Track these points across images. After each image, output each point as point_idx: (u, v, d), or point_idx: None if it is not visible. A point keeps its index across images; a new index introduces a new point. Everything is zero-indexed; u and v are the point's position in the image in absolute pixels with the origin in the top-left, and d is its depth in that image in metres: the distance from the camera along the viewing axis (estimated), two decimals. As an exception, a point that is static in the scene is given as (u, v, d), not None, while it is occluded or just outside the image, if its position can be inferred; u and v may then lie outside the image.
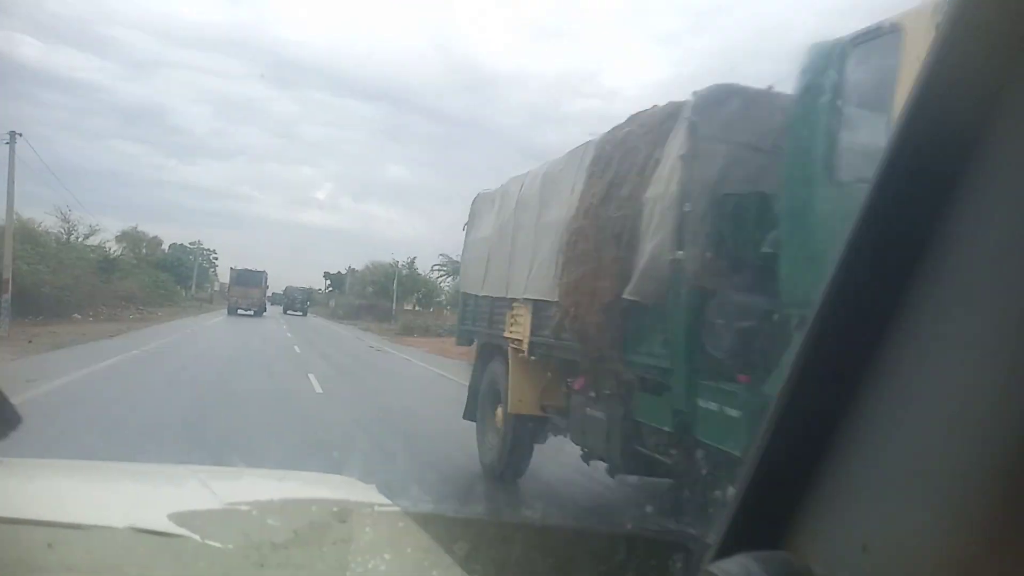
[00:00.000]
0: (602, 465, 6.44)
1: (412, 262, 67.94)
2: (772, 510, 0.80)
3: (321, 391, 14.31)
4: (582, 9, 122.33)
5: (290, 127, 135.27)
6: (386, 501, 1.82)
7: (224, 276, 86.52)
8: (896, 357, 0.70)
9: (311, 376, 16.19)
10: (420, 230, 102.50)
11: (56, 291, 29.70)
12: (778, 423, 0.80)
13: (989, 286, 0.63)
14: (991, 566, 0.59)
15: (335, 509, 1.58)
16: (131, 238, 66.75)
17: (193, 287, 79.35)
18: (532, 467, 7.68)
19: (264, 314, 56.98)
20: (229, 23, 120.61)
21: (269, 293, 67.14)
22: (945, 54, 0.68)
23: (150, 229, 74.46)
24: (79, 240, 44.93)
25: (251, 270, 59.80)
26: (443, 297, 63.10)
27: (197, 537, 1.35)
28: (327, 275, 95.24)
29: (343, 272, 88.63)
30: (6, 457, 1.74)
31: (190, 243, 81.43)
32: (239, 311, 54.56)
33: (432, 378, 19.58)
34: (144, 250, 68.84)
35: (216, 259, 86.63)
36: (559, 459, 7.67)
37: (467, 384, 8.81)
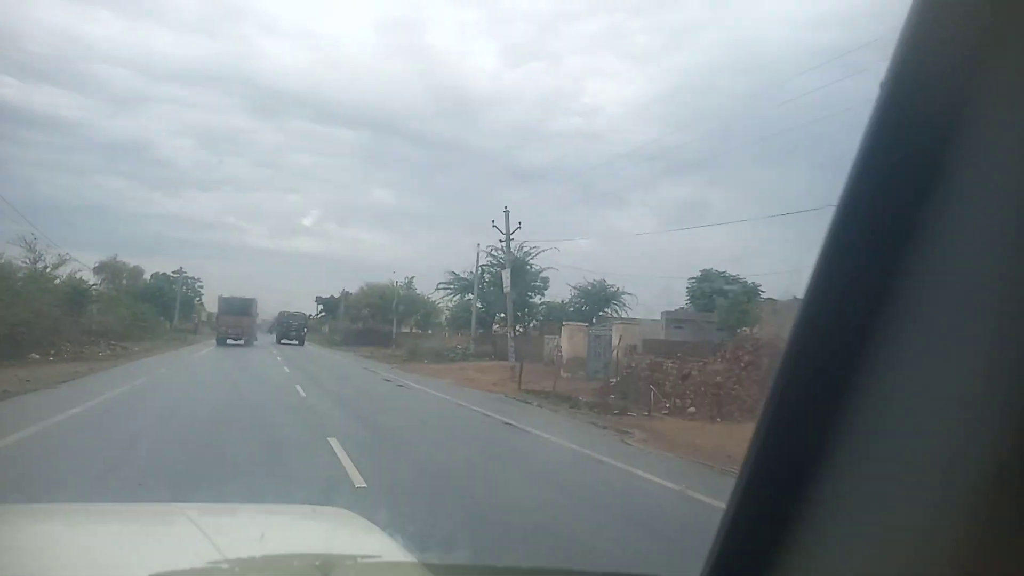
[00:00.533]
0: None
1: (410, 281, 63.76)
2: (756, 545, 0.81)
3: (363, 483, 8.24)
4: (559, 31, 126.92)
5: (275, 156, 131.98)
6: (374, 540, 1.90)
7: (211, 305, 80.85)
8: (872, 397, 0.71)
9: (334, 444, 10.52)
10: (407, 253, 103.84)
11: (9, 328, 25.59)
12: (757, 461, 0.80)
13: (969, 286, 0.64)
14: None
15: (317, 563, 1.57)
16: (110, 269, 62.42)
17: (176, 318, 74.03)
18: None
19: (255, 343, 54.18)
20: (209, 56, 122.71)
21: (259, 321, 63.34)
22: (907, 63, 0.70)
23: (136, 263, 69.94)
24: (46, 270, 39.47)
25: (240, 298, 56.11)
26: (444, 318, 59.04)
27: None
28: (319, 299, 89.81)
29: (336, 296, 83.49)
30: None
31: (173, 272, 73.77)
32: (228, 341, 51.44)
33: (512, 437, 13.47)
34: (125, 281, 65.13)
35: (201, 287, 78.85)
36: None
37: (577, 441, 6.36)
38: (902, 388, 0.69)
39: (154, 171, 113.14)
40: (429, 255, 58.17)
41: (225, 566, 1.52)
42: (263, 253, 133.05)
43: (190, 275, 76.82)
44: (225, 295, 56.43)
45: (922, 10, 0.70)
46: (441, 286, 53.16)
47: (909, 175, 0.70)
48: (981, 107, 0.66)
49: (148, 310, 56.06)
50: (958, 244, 0.66)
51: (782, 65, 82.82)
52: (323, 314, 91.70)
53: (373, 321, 62.99)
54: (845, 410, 0.73)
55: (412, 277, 62.74)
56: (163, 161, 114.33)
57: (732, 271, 37.87)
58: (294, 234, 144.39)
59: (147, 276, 69.64)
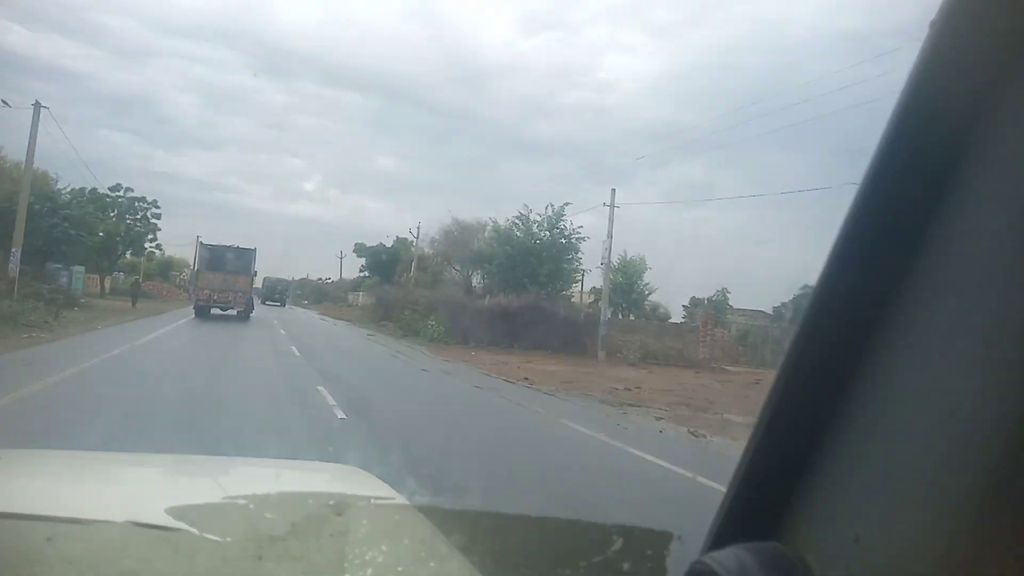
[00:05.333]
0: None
1: (562, 209, 41.60)
2: (766, 502, 0.82)
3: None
4: (577, 0, 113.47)
5: (280, 118, 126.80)
6: (384, 493, 1.85)
7: (179, 252, 68.34)
8: (888, 351, 0.72)
9: None
10: (410, 223, 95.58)
11: None
12: (772, 417, 0.81)
13: (980, 282, 0.65)
14: (983, 556, 0.61)
15: (332, 502, 1.58)
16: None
17: (115, 271, 52.37)
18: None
19: (252, 315, 38.14)
20: (220, 11, 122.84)
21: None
22: (937, 53, 0.69)
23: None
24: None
25: (234, 247, 39.03)
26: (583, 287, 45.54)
27: (195, 530, 1.37)
28: (361, 250, 74.08)
29: (387, 243, 68.47)
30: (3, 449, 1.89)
31: (110, 188, 47.06)
32: (214, 310, 35.84)
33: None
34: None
35: (157, 217, 49.79)
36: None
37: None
38: (923, 351, 0.69)
39: (158, 127, 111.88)
40: (434, 226, 53.26)
41: (241, 502, 1.59)
42: (264, 216, 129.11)
43: (137, 195, 48.96)
44: (209, 242, 41.28)
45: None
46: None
47: (929, 168, 0.70)
48: (1017, 95, 0.64)
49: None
50: (983, 240, 0.66)
51: (803, 47, 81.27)
52: (364, 274, 74.95)
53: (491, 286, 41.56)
54: (861, 375, 0.74)
55: (567, 203, 38.73)
56: (167, 118, 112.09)
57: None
58: (296, 198, 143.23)
59: (61, 187, 40.03)
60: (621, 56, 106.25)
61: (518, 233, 40.30)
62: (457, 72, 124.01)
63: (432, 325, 32.98)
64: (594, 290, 41.44)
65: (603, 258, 31.13)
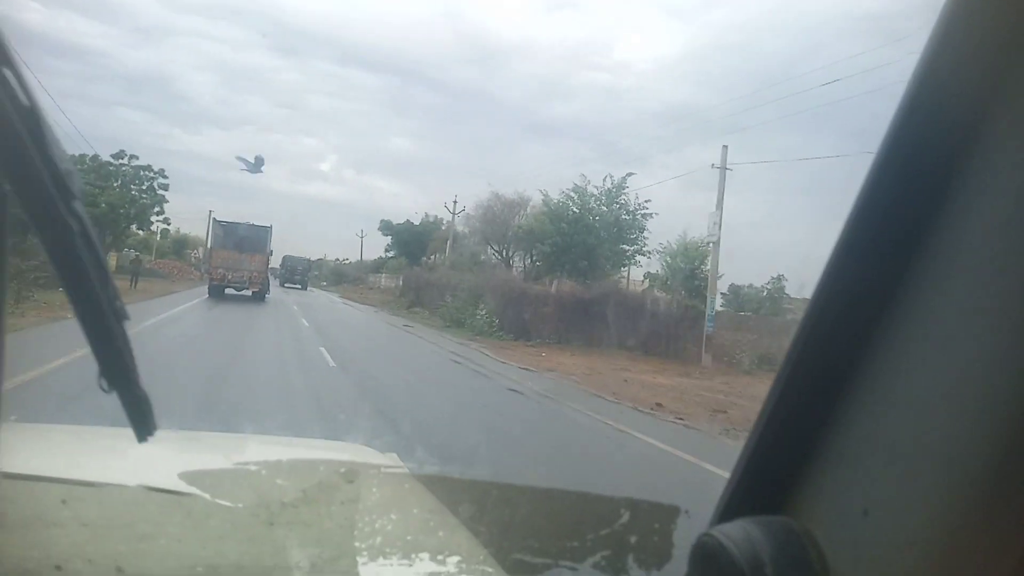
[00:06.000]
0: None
1: (625, 179, 37.12)
2: (774, 475, 0.84)
3: None
4: None
5: (295, 97, 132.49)
6: (394, 463, 1.92)
7: (191, 228, 65.37)
8: (899, 325, 0.75)
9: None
10: (424, 204, 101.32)
11: None
12: (782, 391, 0.84)
13: (992, 257, 0.67)
14: (993, 529, 0.62)
15: (343, 470, 1.65)
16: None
17: (119, 246, 46.99)
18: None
19: (268, 296, 37.63)
20: None
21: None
22: (939, 55, 0.72)
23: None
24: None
25: (248, 224, 38.66)
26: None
27: (207, 495, 1.43)
28: (387, 228, 68.65)
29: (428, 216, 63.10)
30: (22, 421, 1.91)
31: (112, 156, 43.75)
32: (229, 290, 36.07)
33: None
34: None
35: (164, 189, 45.29)
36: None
37: None
38: (934, 325, 0.71)
39: (174, 106, 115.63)
40: (436, 210, 60.43)
41: (253, 468, 1.64)
42: (279, 196, 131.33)
43: (142, 163, 44.96)
44: (223, 219, 40.34)
45: None
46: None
47: (933, 164, 0.72)
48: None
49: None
50: (991, 219, 0.68)
51: (822, 28, 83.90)
52: (388, 255, 71.17)
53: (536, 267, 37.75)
54: (872, 349, 0.76)
55: (630, 174, 35.52)
56: (183, 96, 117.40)
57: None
58: (311, 179, 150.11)
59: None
60: (637, 36, 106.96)
61: (574, 208, 34.26)
62: (472, 52, 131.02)
63: (482, 316, 27.14)
64: (649, 276, 35.36)
65: (709, 231, 25.41)
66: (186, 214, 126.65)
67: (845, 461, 0.77)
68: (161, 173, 47.66)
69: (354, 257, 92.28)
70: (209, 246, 43.51)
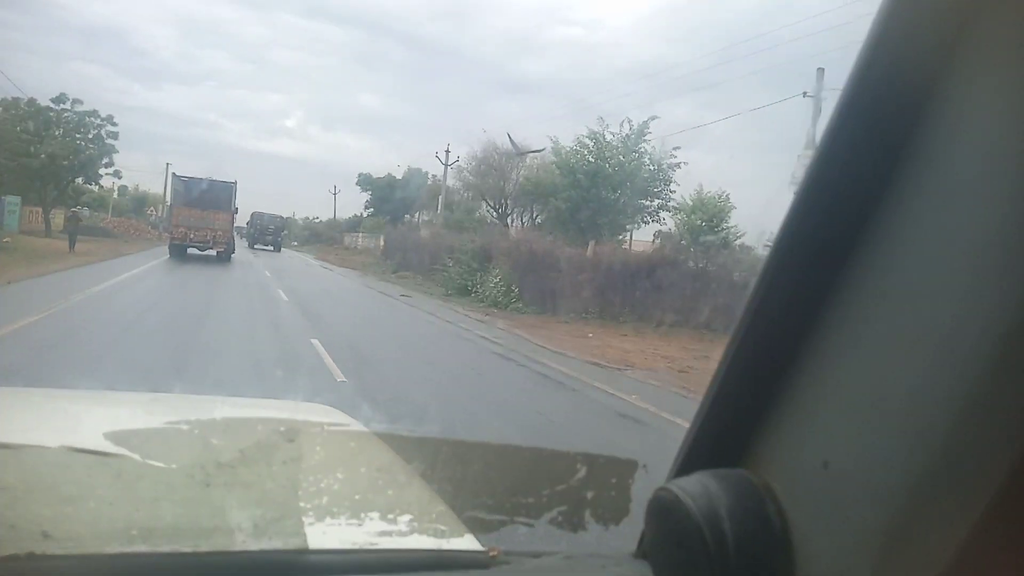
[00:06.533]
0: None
1: (649, 120, 32.38)
2: (732, 429, 0.84)
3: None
4: None
5: (259, 51, 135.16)
6: (342, 420, 1.90)
7: (142, 181, 60.69)
8: (858, 275, 0.76)
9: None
10: (393, 162, 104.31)
11: None
12: (740, 344, 0.84)
13: (952, 213, 0.68)
14: (951, 483, 0.64)
15: (283, 428, 1.59)
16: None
17: (64, 200, 44.15)
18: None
19: (234, 257, 35.98)
20: None
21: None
22: (875, 50, 0.73)
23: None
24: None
25: (210, 180, 36.45)
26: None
27: (137, 456, 1.39)
28: (365, 181, 64.83)
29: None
30: None
31: (52, 100, 40.98)
32: (191, 250, 34.46)
33: None
34: None
35: (114, 137, 42.55)
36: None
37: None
38: (894, 274, 0.71)
39: (133, 60, 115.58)
40: (416, 164, 56.96)
41: (185, 427, 1.60)
42: (243, 153, 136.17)
43: (85, 106, 42.30)
44: (183, 174, 37.86)
45: None
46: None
47: (904, 99, 0.72)
48: (981, 40, 0.68)
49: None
50: (954, 170, 0.69)
51: None
52: (366, 212, 67.17)
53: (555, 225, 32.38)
54: (830, 300, 0.77)
55: (653, 117, 31.73)
56: (142, 50, 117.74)
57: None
58: (275, 136, 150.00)
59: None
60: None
61: (590, 158, 29.35)
62: (442, 6, 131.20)
63: (495, 283, 22.43)
64: (660, 235, 30.63)
65: (793, 177, 20.52)
66: (147, 172, 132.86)
67: (804, 414, 0.78)
68: (110, 120, 43.87)
69: (324, 216, 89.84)
70: (169, 203, 40.90)
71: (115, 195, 60.79)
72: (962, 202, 0.66)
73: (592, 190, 30.34)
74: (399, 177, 59.48)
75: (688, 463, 0.85)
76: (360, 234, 64.40)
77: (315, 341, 12.42)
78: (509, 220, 41.50)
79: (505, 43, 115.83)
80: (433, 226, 43.06)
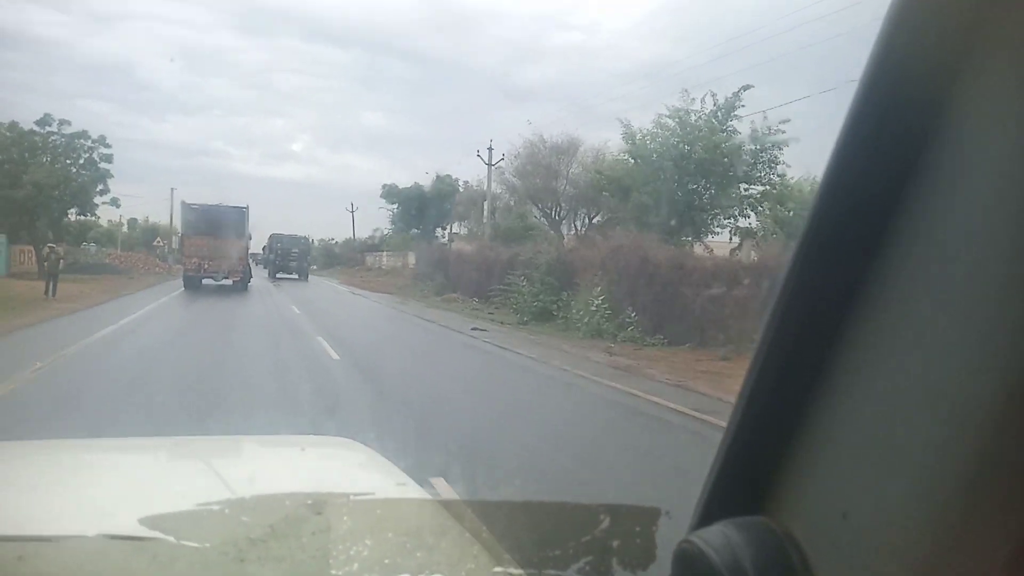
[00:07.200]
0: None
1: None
2: (752, 478, 0.84)
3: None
4: None
5: (262, 78, 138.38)
6: (366, 487, 1.98)
7: (160, 214, 57.39)
8: (875, 324, 0.75)
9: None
10: (402, 179, 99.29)
11: None
12: (754, 389, 0.83)
13: (969, 254, 0.67)
14: (972, 532, 0.64)
15: (309, 502, 1.66)
16: None
17: (51, 233, 38.55)
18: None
19: (250, 286, 34.57)
20: None
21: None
22: (891, 50, 0.72)
23: (119, 190, 44.12)
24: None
25: (222, 206, 35.58)
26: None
27: (172, 539, 1.44)
28: (389, 192, 57.47)
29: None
30: None
31: (36, 122, 36.79)
32: (206, 280, 33.48)
33: None
34: None
35: (108, 157, 38.74)
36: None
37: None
38: (912, 325, 0.71)
39: (138, 94, 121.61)
40: (424, 180, 54.22)
41: (216, 507, 1.65)
42: (252, 180, 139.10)
43: (75, 129, 38.37)
44: (193, 202, 36.55)
45: None
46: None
47: (894, 154, 0.71)
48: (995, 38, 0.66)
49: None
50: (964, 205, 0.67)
51: None
52: (388, 229, 62.61)
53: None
54: (849, 347, 0.76)
55: (747, 87, 25.95)
56: (146, 83, 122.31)
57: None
58: (283, 160, 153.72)
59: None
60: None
61: (674, 140, 23.29)
62: (441, 20, 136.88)
63: (598, 306, 16.78)
64: (740, 232, 24.56)
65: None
66: (155, 201, 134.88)
67: (824, 462, 0.78)
68: (102, 141, 40.68)
69: (339, 236, 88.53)
70: (180, 233, 39.89)
71: (124, 228, 56.11)
72: (981, 250, 0.63)
73: (685, 179, 25.98)
74: (427, 187, 54.45)
75: (709, 510, 0.85)
76: (384, 253, 61.30)
77: (438, 481, 5.73)
78: (563, 225, 35.89)
79: (506, 53, 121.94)
80: (479, 238, 37.75)
